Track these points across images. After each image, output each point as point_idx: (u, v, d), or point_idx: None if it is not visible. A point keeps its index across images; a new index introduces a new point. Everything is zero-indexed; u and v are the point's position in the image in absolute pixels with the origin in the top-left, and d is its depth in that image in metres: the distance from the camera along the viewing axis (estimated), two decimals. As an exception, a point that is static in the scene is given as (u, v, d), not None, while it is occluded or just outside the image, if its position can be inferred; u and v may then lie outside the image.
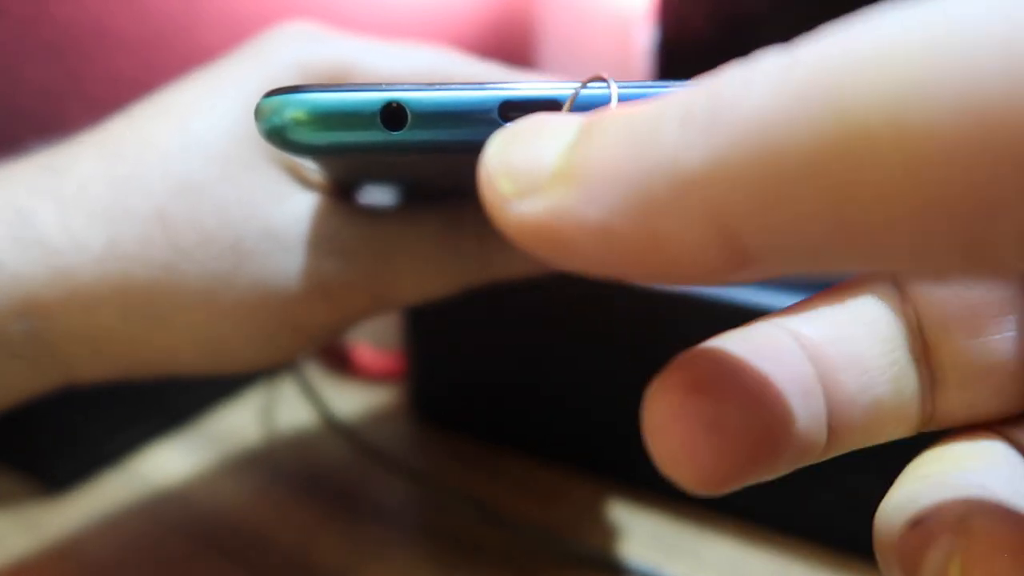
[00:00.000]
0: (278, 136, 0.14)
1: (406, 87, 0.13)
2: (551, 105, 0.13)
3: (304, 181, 0.20)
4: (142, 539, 0.26)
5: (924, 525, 0.11)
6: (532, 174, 0.09)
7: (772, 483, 0.28)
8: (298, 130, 0.14)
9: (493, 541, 0.25)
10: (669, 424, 0.10)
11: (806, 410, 0.11)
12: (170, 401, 0.32)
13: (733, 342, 0.11)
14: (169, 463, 0.30)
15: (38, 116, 0.34)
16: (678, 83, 0.12)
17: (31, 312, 0.18)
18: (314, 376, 0.35)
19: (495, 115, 0.13)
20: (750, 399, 0.10)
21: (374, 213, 0.21)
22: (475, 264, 0.21)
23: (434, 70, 0.21)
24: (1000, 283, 0.12)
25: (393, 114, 0.13)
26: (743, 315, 0.13)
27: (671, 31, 0.48)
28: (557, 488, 0.28)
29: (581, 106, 0.13)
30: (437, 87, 0.13)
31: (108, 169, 0.19)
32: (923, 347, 0.12)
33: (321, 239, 0.20)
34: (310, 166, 0.20)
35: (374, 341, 0.36)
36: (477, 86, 0.13)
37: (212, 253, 0.19)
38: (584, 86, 0.13)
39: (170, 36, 0.38)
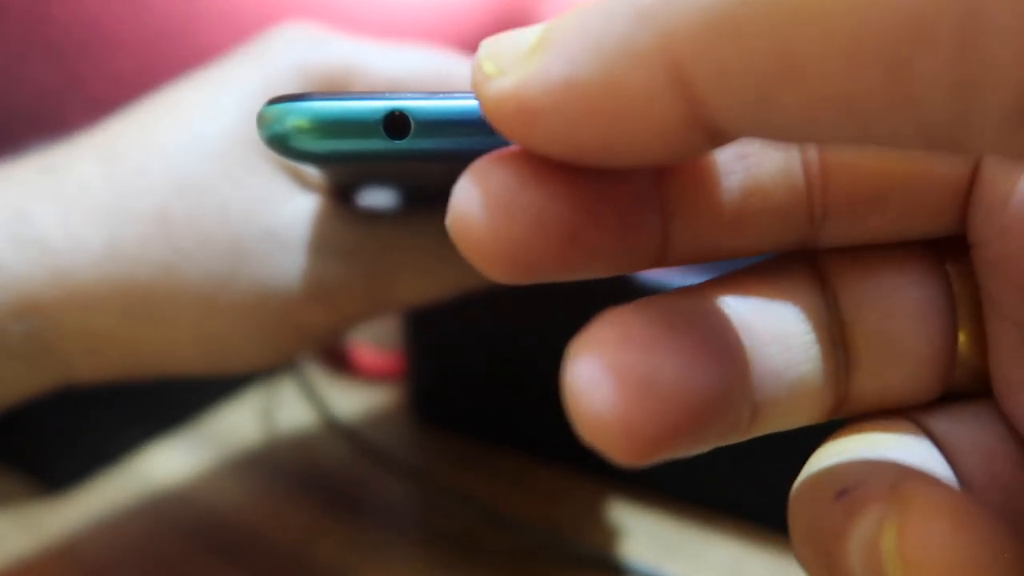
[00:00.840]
0: (280, 144, 0.14)
1: (409, 95, 0.13)
2: None
3: (305, 182, 0.20)
4: (142, 539, 0.26)
5: (850, 495, 0.10)
6: (511, 54, 0.10)
7: (772, 483, 0.27)
8: (300, 138, 0.14)
9: (493, 541, 0.25)
10: (597, 382, 0.09)
11: (736, 378, 0.11)
12: (170, 401, 0.32)
13: (660, 305, 0.11)
14: (169, 463, 0.30)
15: (38, 116, 0.34)
16: None
17: (30, 312, 0.18)
18: (314, 376, 0.35)
19: None
20: (684, 358, 0.10)
21: (375, 216, 0.21)
22: (473, 268, 0.21)
23: (434, 72, 0.21)
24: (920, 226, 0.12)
25: (396, 122, 0.13)
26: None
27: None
28: (557, 488, 0.28)
29: None
30: (440, 95, 0.13)
31: (108, 168, 0.19)
32: (839, 328, 0.12)
33: (321, 241, 0.20)
34: (311, 170, 0.20)
35: (374, 341, 0.36)
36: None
37: (212, 253, 0.19)
38: None
39: (170, 36, 0.38)
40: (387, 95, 0.13)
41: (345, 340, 0.36)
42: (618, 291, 0.25)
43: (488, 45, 0.10)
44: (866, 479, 0.10)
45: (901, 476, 0.10)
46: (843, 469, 0.11)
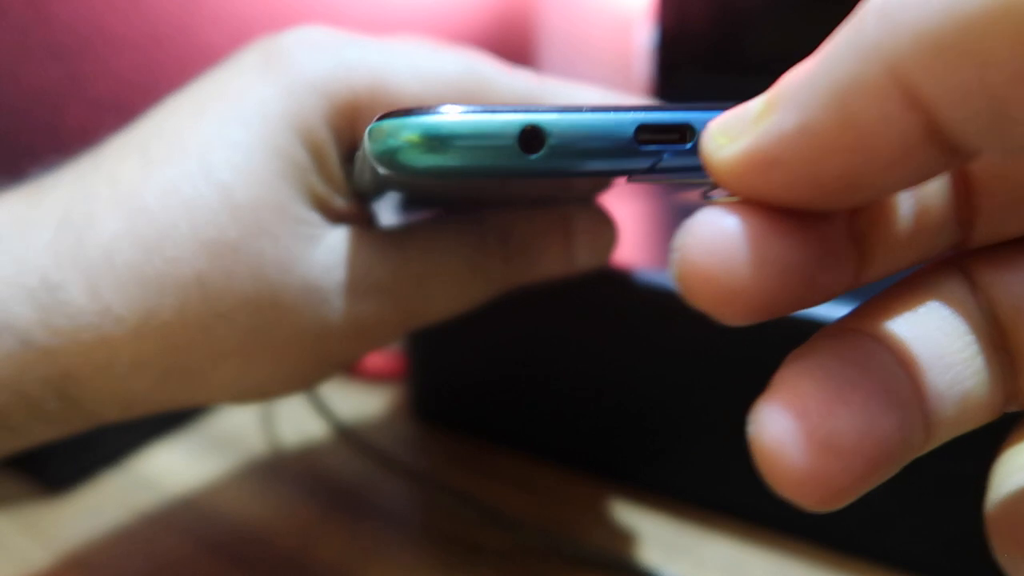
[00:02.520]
0: (389, 160, 0.13)
1: (541, 109, 0.13)
2: (684, 129, 0.13)
3: (328, 211, 0.20)
4: (143, 540, 0.26)
5: None
6: (740, 121, 0.11)
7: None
8: (413, 153, 0.13)
9: (493, 541, 0.25)
10: (782, 443, 0.10)
11: (910, 417, 0.11)
12: (170, 401, 0.32)
13: (823, 355, 0.11)
14: (169, 463, 0.30)
15: (38, 116, 0.34)
16: None
17: (66, 383, 0.18)
18: (314, 376, 0.35)
19: (630, 138, 0.13)
20: (861, 412, 0.11)
21: (401, 241, 0.20)
22: (499, 276, 0.21)
23: (465, 80, 0.20)
24: None
25: (528, 138, 0.13)
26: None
27: (671, 30, 0.48)
28: (557, 488, 0.28)
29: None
30: (572, 110, 0.13)
31: (132, 228, 0.18)
32: (999, 334, 0.12)
33: (356, 281, 0.19)
34: (336, 197, 0.19)
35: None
36: (612, 109, 0.13)
37: (250, 311, 0.18)
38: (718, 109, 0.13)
39: (170, 36, 0.38)
40: (519, 108, 0.13)
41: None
42: (618, 293, 0.25)
43: (715, 122, 0.11)
44: None
45: None
46: None
